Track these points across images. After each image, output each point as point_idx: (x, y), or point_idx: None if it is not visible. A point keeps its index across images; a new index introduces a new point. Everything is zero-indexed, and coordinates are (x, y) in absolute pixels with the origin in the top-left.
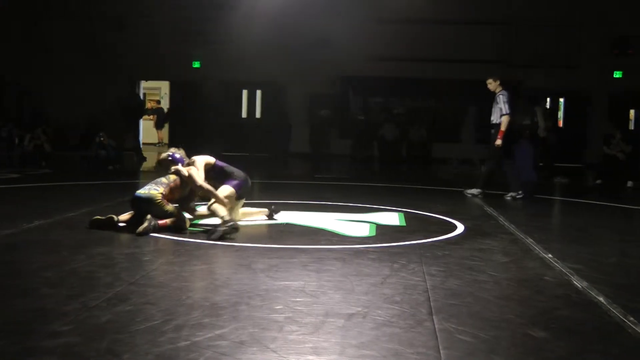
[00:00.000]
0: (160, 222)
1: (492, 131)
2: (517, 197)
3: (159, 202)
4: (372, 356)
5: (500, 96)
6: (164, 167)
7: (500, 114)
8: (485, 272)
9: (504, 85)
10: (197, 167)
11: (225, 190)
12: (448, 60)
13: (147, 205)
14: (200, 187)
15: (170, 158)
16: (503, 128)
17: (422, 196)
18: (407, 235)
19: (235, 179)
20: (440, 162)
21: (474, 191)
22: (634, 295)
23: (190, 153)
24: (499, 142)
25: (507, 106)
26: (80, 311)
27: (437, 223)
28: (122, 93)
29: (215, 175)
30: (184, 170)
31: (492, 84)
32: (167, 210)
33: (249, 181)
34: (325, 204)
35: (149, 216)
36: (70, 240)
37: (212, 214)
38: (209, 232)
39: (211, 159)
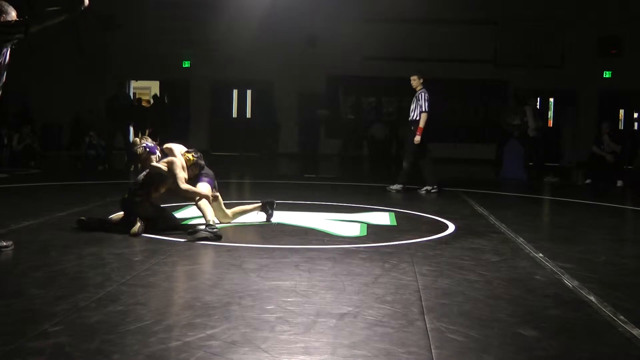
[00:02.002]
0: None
1: (412, 128)
2: (432, 191)
3: (142, 203)
4: (363, 356)
5: (422, 94)
6: (143, 160)
7: (420, 111)
8: (476, 272)
9: (425, 84)
10: (177, 155)
11: (205, 187)
12: (437, 60)
13: (133, 207)
14: (185, 191)
15: (147, 150)
16: (422, 125)
17: (413, 195)
18: (398, 235)
19: (207, 176)
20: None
21: (397, 187)
22: (624, 294)
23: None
24: (417, 139)
25: (427, 104)
26: (70, 312)
27: (428, 222)
28: (112, 93)
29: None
30: (162, 167)
31: (415, 81)
32: (150, 212)
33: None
34: (315, 203)
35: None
36: (60, 241)
37: (200, 211)
38: (190, 232)
39: (185, 149)
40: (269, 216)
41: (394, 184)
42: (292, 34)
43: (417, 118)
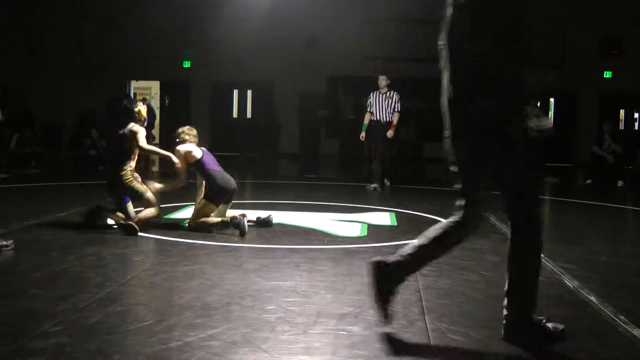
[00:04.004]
0: (140, 215)
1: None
2: (377, 189)
3: (128, 180)
4: (364, 356)
5: (397, 95)
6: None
7: (394, 111)
8: (477, 272)
9: (391, 85)
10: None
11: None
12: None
13: (119, 188)
14: (147, 150)
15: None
16: (395, 122)
17: (413, 196)
18: (398, 235)
19: (211, 190)
20: (431, 162)
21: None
22: (625, 295)
23: None
24: (391, 133)
25: (399, 104)
26: (70, 312)
27: (429, 222)
28: (112, 93)
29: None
30: (136, 130)
31: (384, 81)
32: (136, 190)
33: (232, 185)
34: (316, 203)
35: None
36: (60, 241)
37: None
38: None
39: (197, 153)
40: (242, 232)
41: (390, 184)
42: (292, 34)
43: (389, 119)
